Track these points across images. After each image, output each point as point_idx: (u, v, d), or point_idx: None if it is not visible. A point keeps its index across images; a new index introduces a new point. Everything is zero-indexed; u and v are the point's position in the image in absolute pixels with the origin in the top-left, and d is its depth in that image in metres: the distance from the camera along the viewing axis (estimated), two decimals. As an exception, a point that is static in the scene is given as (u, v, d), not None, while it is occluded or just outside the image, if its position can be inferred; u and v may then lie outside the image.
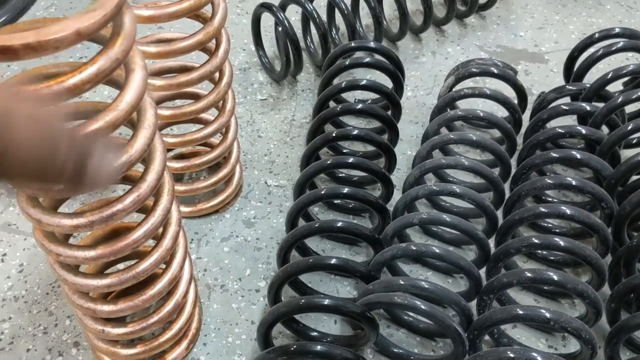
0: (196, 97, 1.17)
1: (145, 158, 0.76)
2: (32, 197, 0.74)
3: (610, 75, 1.25)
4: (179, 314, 0.98)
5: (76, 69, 0.60)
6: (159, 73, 1.12)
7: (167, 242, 0.84)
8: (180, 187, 1.21)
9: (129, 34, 0.63)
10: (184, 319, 0.98)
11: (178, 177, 1.29)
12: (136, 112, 0.72)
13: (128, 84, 0.66)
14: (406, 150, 1.41)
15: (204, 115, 1.22)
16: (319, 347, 0.87)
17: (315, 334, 1.04)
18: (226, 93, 1.09)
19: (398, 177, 1.33)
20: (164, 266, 0.90)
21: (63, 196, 0.81)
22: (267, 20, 1.58)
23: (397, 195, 1.20)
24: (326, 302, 0.91)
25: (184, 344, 1.02)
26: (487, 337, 1.03)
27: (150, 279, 0.87)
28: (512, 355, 0.86)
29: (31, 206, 0.73)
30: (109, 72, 0.61)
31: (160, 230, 0.85)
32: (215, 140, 1.25)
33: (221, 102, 1.12)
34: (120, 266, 1.05)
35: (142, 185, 0.74)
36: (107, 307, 0.85)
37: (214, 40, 1.04)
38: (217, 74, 1.08)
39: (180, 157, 1.25)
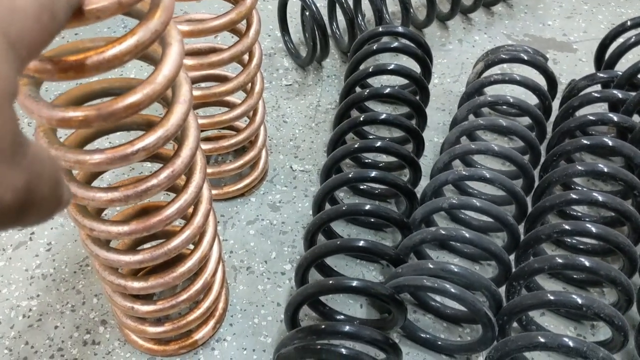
0: (224, 79, 1.17)
1: (179, 135, 0.76)
2: (68, 170, 0.75)
3: (643, 62, 1.23)
4: (207, 294, 0.99)
5: (115, 41, 0.59)
6: (188, 54, 1.12)
7: (198, 219, 0.84)
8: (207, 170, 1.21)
9: (167, 6, 0.63)
10: (211, 299, 0.98)
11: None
12: (171, 88, 0.72)
13: (165, 57, 0.66)
14: (433, 137, 1.40)
15: (230, 99, 1.22)
16: (347, 328, 0.87)
17: (341, 317, 1.03)
18: (256, 74, 1.08)
19: (425, 163, 1.32)
20: (191, 247, 0.91)
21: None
22: (292, 6, 1.57)
23: (423, 183, 1.19)
24: (355, 283, 0.91)
25: (211, 323, 1.02)
26: (515, 325, 1.02)
27: (178, 258, 0.88)
28: (543, 340, 0.85)
29: (67, 180, 0.73)
30: (148, 44, 0.61)
31: (192, 208, 0.86)
32: (241, 124, 1.25)
33: (250, 84, 1.12)
34: (147, 246, 1.06)
35: (176, 161, 0.74)
36: (137, 284, 0.85)
37: (244, 23, 1.04)
38: (246, 56, 1.08)
39: (207, 139, 1.25)
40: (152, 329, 0.96)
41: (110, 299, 0.92)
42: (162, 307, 0.90)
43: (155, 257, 0.81)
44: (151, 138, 0.68)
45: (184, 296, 0.90)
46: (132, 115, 0.65)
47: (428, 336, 1.02)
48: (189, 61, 0.99)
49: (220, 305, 1.05)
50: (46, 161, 0.32)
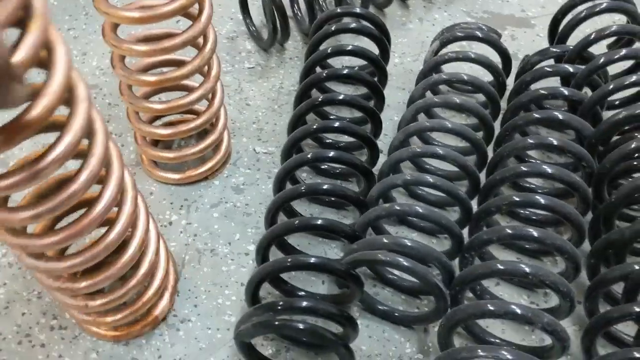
0: (182, 64, 1.18)
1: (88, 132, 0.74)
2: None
3: (592, 36, 1.26)
4: (155, 272, 1.00)
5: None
6: (144, 40, 1.13)
7: (128, 207, 0.85)
8: (169, 154, 1.23)
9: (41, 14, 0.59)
10: (160, 276, 1.00)
11: (167, 145, 1.31)
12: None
13: (54, 64, 0.62)
14: (393, 116, 1.42)
15: (189, 83, 1.23)
16: (304, 303, 0.90)
17: (302, 293, 1.06)
18: (210, 58, 1.10)
19: (385, 142, 1.34)
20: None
21: None
22: (253, -12, 1.58)
23: (383, 161, 1.21)
24: (312, 260, 0.94)
25: (166, 296, 1.05)
26: (470, 295, 1.06)
27: (119, 246, 0.87)
28: (491, 307, 0.89)
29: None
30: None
31: (119, 197, 0.84)
32: (201, 107, 1.27)
33: (206, 68, 1.13)
34: (87, 242, 1.04)
35: (91, 160, 0.72)
36: (84, 283, 0.86)
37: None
38: (201, 40, 1.09)
39: (168, 124, 1.27)
40: (111, 318, 0.97)
41: (62, 301, 0.92)
42: (115, 297, 0.92)
43: (96, 254, 0.82)
44: (61, 147, 0.66)
45: (133, 281, 0.92)
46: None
47: (386, 308, 1.06)
48: (142, 47, 1.00)
49: (171, 277, 1.07)
50: None
